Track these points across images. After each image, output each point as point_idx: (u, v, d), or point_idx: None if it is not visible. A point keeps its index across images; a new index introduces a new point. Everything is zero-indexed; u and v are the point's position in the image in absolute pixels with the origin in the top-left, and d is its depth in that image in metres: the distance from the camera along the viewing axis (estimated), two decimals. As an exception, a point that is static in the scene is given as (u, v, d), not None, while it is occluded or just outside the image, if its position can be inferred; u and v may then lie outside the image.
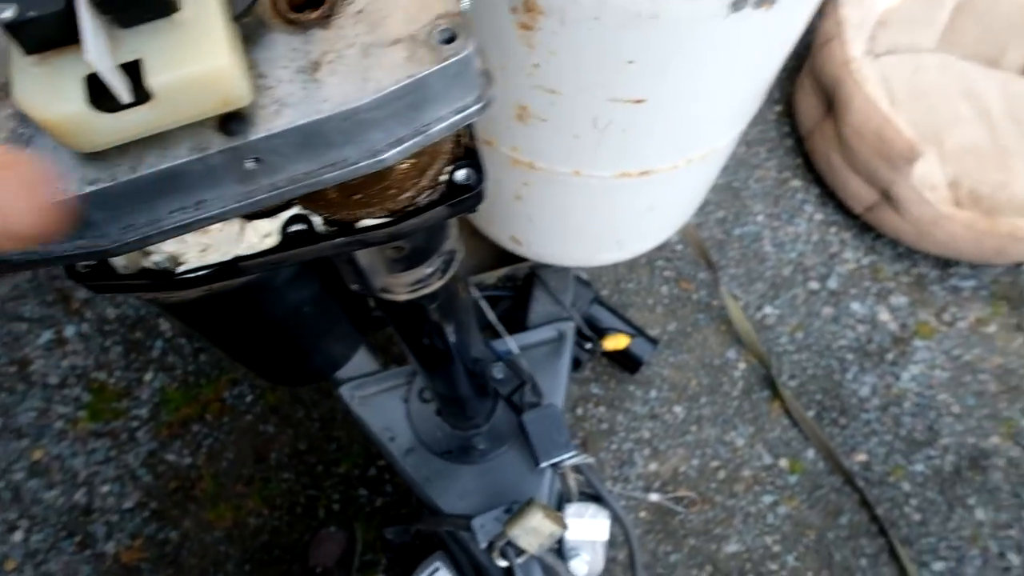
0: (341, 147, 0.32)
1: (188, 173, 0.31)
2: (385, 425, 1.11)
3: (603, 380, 1.99)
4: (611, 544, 1.17)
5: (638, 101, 0.70)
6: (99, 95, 0.28)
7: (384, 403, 1.11)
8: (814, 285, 2.13)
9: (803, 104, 2.28)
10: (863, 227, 2.20)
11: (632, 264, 2.15)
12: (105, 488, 1.91)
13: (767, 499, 1.88)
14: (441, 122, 0.33)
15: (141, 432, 1.97)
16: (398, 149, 0.33)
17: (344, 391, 1.12)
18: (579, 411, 1.96)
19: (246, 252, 0.39)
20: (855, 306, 2.10)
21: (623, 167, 0.82)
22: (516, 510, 0.99)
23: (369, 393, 1.12)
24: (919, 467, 1.91)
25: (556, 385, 1.12)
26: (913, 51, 2.29)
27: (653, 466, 1.92)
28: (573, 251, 1.04)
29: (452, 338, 0.69)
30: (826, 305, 2.11)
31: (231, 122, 0.30)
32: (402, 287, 0.52)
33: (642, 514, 1.88)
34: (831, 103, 2.13)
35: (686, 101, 0.72)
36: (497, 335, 1.12)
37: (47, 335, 2.09)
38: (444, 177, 0.40)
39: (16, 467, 1.93)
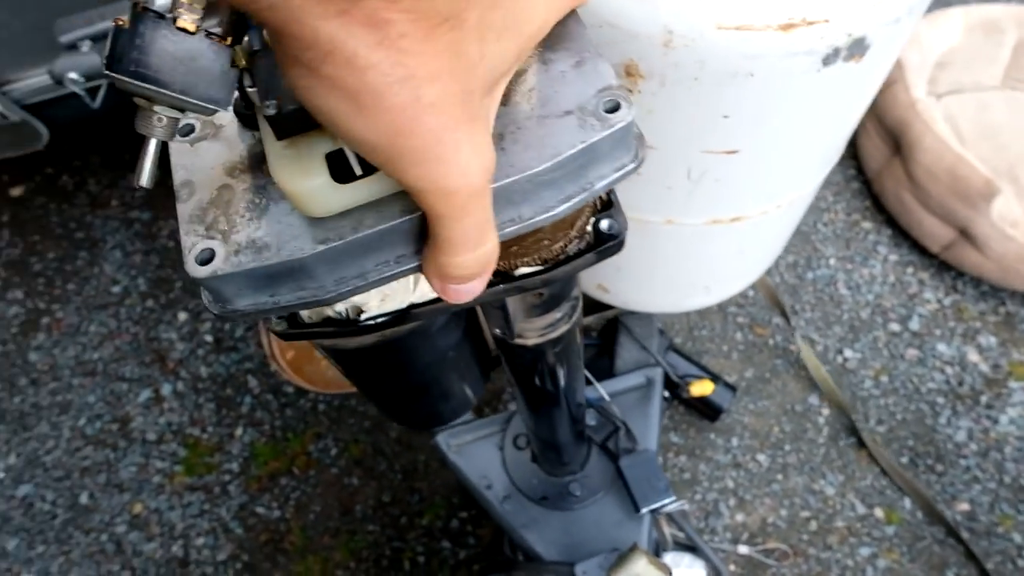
0: (519, 205, 0.37)
1: (396, 232, 0.36)
2: (481, 473, 1.14)
3: (682, 429, 1.97)
4: (708, 594, 1.15)
5: (732, 152, 0.74)
6: (336, 169, 0.34)
7: (479, 451, 1.15)
8: (895, 327, 2.08)
9: (868, 147, 2.27)
10: (942, 266, 2.15)
11: (704, 311, 2.15)
12: (200, 541, 1.99)
13: (864, 551, 1.81)
14: (603, 179, 0.38)
15: (233, 486, 2.05)
16: (567, 205, 0.37)
17: (440, 440, 1.16)
18: (659, 460, 1.94)
19: (419, 300, 0.44)
20: (941, 347, 2.04)
21: (715, 214, 0.86)
22: (618, 557, 0.99)
23: (464, 441, 1.16)
24: (1028, 516, 1.80)
25: (649, 430, 1.13)
26: (977, 90, 2.28)
27: (740, 517, 1.87)
28: (661, 297, 1.07)
29: (562, 381, 0.73)
30: (910, 347, 2.05)
31: None
32: (534, 331, 0.57)
33: (731, 567, 1.83)
34: (898, 145, 2.13)
35: (778, 150, 0.76)
36: (587, 382, 1.15)
37: (146, 394, 2.22)
38: (590, 227, 0.45)
39: (118, 520, 2.03)
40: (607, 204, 0.46)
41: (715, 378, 1.76)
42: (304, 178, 0.34)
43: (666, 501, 1.02)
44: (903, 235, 2.20)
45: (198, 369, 2.23)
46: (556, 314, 0.56)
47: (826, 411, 1.98)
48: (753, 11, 0.59)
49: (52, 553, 1.99)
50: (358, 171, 0.34)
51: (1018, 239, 1.92)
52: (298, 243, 0.36)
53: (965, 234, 2.00)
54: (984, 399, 1.96)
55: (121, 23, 0.31)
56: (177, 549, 1.98)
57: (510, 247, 0.44)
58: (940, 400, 1.97)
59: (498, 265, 0.45)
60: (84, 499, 2.06)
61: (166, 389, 2.21)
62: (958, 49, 2.25)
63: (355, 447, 2.07)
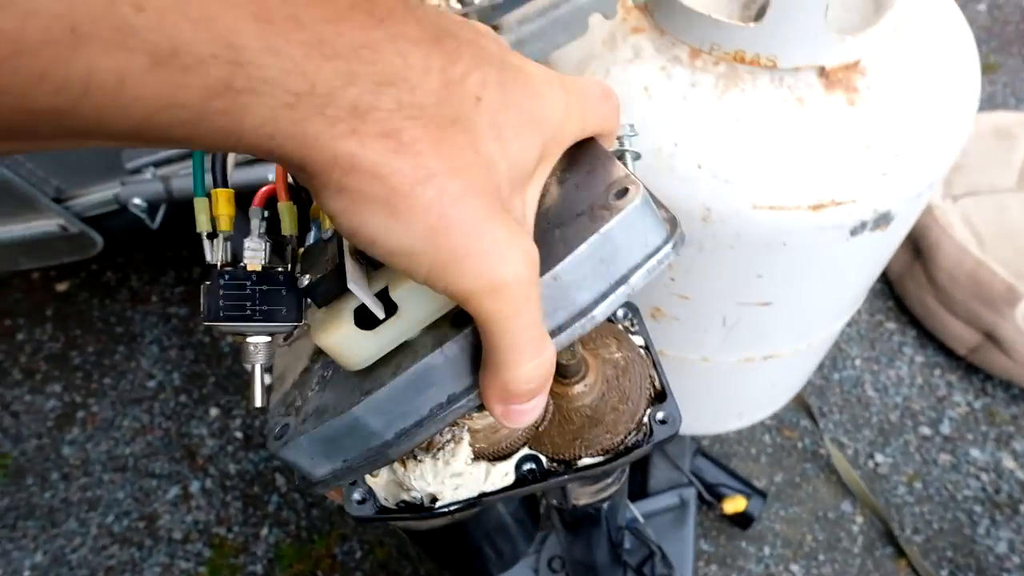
0: (553, 313, 0.35)
1: (436, 368, 0.37)
2: (516, 595, 1.13)
3: (712, 536, 1.94)
4: None
5: (764, 304, 0.78)
6: (363, 320, 0.37)
7: (514, 572, 1.14)
8: (926, 431, 2.06)
9: (889, 247, 2.32)
10: (969, 368, 2.15)
11: (730, 412, 2.15)
12: (221, 648, 1.95)
13: (907, 673, 1.73)
14: (638, 269, 0.36)
15: (256, 589, 2.03)
16: (604, 304, 0.35)
17: (474, 559, 1.16)
18: None
19: (489, 489, 0.48)
20: (975, 453, 2.01)
21: (748, 354, 0.90)
22: None
23: (498, 561, 1.16)
24: (1079, 637, 1.72)
25: (684, 554, 1.13)
26: (993, 192, 2.33)
27: (774, 632, 1.81)
28: (696, 423, 1.10)
29: (605, 509, 0.75)
30: (942, 452, 2.02)
31: (461, 317, 0.35)
32: (587, 495, 0.60)
33: None
34: (918, 249, 2.17)
35: (807, 301, 0.80)
36: (620, 502, 1.16)
37: (174, 491, 2.23)
38: (646, 419, 0.49)
39: (140, 624, 2.01)
40: (661, 396, 0.50)
41: (744, 483, 1.75)
42: (334, 331, 0.37)
43: None
44: (928, 336, 2.21)
45: (227, 466, 2.25)
46: (608, 480, 0.59)
47: (860, 519, 1.94)
48: (785, 193, 0.65)
49: (72, 658, 1.96)
50: (380, 315, 0.35)
51: (1045, 344, 1.92)
52: (349, 399, 0.39)
53: (991, 337, 2.01)
54: (1023, 508, 1.91)
55: (208, 285, 0.38)
56: (198, 656, 1.94)
57: (573, 439, 0.48)
58: (977, 509, 1.92)
59: (562, 455, 0.48)
60: (107, 600, 2.04)
61: (195, 486, 2.22)
62: (971, 152, 2.33)
63: (380, 550, 2.05)
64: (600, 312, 0.36)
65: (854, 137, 0.66)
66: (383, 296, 0.36)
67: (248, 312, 0.39)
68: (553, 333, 0.35)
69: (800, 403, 1.98)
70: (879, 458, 2.02)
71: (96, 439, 2.35)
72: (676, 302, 0.82)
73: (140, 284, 2.72)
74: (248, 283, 0.39)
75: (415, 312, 0.36)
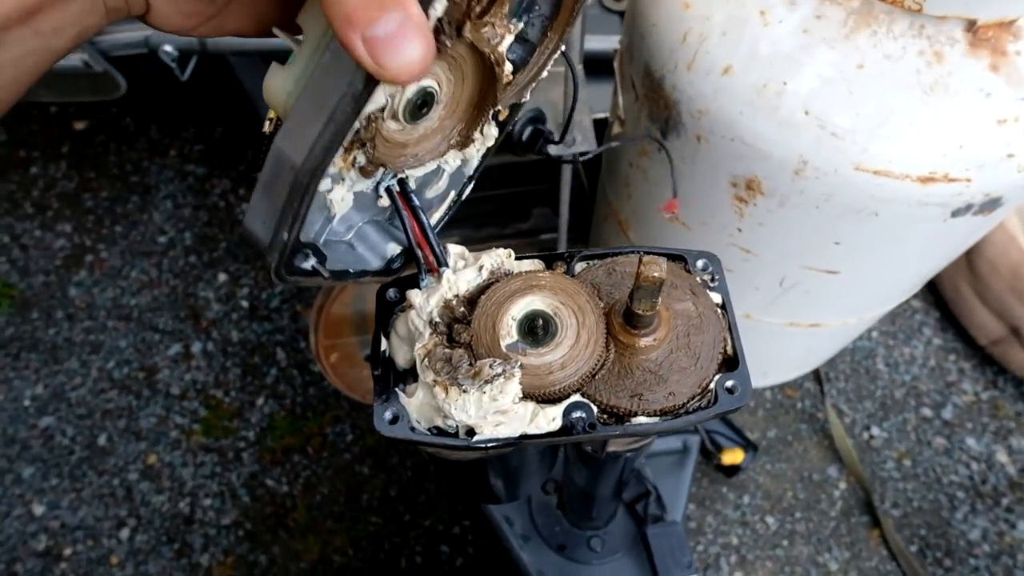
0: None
1: (326, 66, 0.36)
2: (505, 510, 1.15)
3: (696, 477, 1.97)
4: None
5: (832, 272, 0.73)
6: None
7: (507, 488, 1.15)
8: (927, 412, 2.05)
9: (932, 223, 2.23)
10: (985, 359, 2.11)
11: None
12: (207, 502, 2.03)
13: (857, 633, 1.80)
14: None
15: (247, 454, 2.09)
16: None
17: (469, 469, 1.17)
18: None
19: (533, 432, 0.44)
20: (970, 441, 2.01)
21: (795, 319, 0.85)
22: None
23: (493, 475, 1.17)
24: (1029, 629, 1.78)
25: (678, 499, 1.13)
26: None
27: (739, 575, 1.87)
28: (717, 375, 1.07)
29: (631, 455, 0.73)
30: (938, 435, 2.02)
31: None
32: (622, 444, 0.57)
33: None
34: (965, 229, 2.08)
35: (876, 277, 0.75)
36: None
37: (176, 348, 2.25)
38: (713, 384, 0.45)
39: (132, 468, 2.08)
40: (733, 363, 0.46)
41: (736, 433, 1.76)
42: (266, 80, 0.39)
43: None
44: (951, 321, 2.16)
45: (230, 332, 2.26)
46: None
47: (843, 485, 1.96)
48: (896, 159, 0.58)
49: (64, 488, 2.04)
50: (290, 44, 0.39)
51: (1070, 348, 1.88)
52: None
53: (1016, 333, 1.96)
54: (1005, 501, 1.93)
55: None
56: (184, 506, 2.02)
57: (633, 395, 0.44)
58: (960, 495, 1.94)
59: (616, 409, 0.45)
60: (102, 441, 2.10)
61: (196, 347, 2.24)
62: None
63: (371, 437, 2.09)
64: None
65: (989, 108, 0.58)
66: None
67: None
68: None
69: (809, 365, 1.96)
70: (875, 431, 2.03)
71: (103, 285, 2.35)
72: (736, 254, 0.76)
73: (160, 136, 2.64)
74: None
75: (314, 28, 0.37)
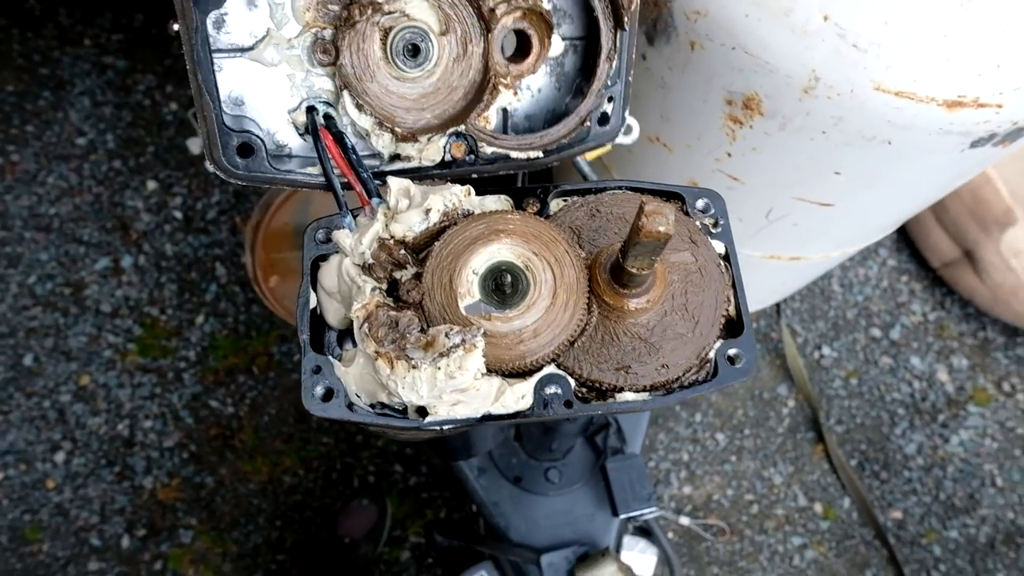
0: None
1: None
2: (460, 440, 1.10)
3: (650, 396, 1.98)
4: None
5: (826, 204, 0.66)
6: None
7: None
8: (876, 332, 2.09)
9: (897, 142, 2.19)
10: (935, 281, 2.14)
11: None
12: (148, 424, 1.94)
13: (796, 540, 1.89)
14: None
15: (187, 375, 1.99)
16: None
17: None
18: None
19: (498, 411, 0.36)
20: (915, 361, 2.06)
21: (776, 251, 0.79)
22: (588, 556, 0.98)
23: (447, 406, 1.11)
24: (953, 533, 1.90)
25: (637, 432, 1.10)
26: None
27: (687, 489, 1.92)
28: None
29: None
30: (885, 355, 2.07)
31: None
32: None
33: (669, 534, 1.89)
34: (930, 149, 2.05)
35: (875, 209, 0.68)
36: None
37: (104, 262, 2.09)
38: (713, 353, 0.38)
39: (63, 389, 1.96)
40: (736, 327, 0.38)
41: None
42: None
43: (646, 511, 1.00)
44: (906, 242, 2.17)
45: (163, 245, 2.10)
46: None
47: (792, 403, 2.01)
48: (924, 78, 0.49)
49: (-10, 411, 1.92)
50: None
51: (1018, 272, 1.90)
52: None
53: (969, 256, 1.98)
54: (941, 418, 2.01)
55: None
56: (123, 428, 1.93)
57: (619, 368, 0.37)
58: (901, 411, 2.01)
59: (598, 383, 0.37)
60: (28, 361, 1.97)
61: (126, 261, 2.08)
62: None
63: (320, 357, 2.02)
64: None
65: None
66: None
67: None
68: None
69: (767, 287, 1.94)
70: (825, 351, 2.05)
71: (16, 192, 2.13)
72: (721, 180, 0.68)
73: (71, 22, 2.34)
74: None
75: None
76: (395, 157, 0.43)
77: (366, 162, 0.42)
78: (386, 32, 0.41)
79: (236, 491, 1.90)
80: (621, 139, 0.51)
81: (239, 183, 0.41)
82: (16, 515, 1.84)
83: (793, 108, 0.54)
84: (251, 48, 0.41)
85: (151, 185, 2.16)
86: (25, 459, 1.88)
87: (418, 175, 0.42)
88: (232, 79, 0.43)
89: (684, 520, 1.88)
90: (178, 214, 2.13)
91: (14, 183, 2.14)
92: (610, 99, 0.47)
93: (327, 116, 0.41)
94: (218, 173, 0.39)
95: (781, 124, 0.56)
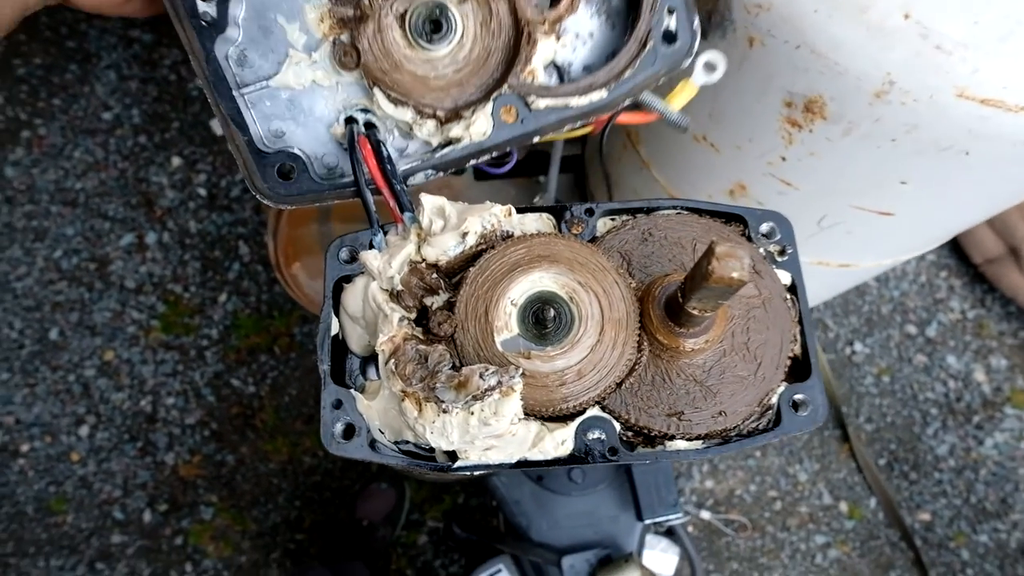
0: None
1: None
2: (482, 437, 1.08)
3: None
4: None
5: (884, 214, 0.61)
6: None
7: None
8: (912, 329, 2.02)
9: (942, 131, 2.10)
10: (976, 277, 2.06)
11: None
12: (170, 400, 1.95)
13: (819, 539, 1.85)
14: None
15: (209, 353, 1.99)
16: None
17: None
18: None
19: (535, 457, 0.33)
20: (951, 359, 1.99)
21: (825, 258, 0.74)
22: (610, 560, 0.96)
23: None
24: (983, 538, 1.85)
25: (666, 433, 1.07)
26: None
27: (709, 483, 1.89)
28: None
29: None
30: (920, 353, 2.00)
31: None
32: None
33: (690, 528, 1.86)
34: (978, 139, 1.96)
35: (939, 220, 0.63)
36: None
37: (128, 238, 2.09)
38: (776, 399, 0.34)
39: (87, 364, 1.97)
40: (804, 368, 0.35)
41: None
42: None
43: (671, 517, 0.97)
44: (947, 235, 2.09)
45: (187, 223, 2.10)
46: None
47: (820, 399, 1.96)
48: (1013, 85, 0.44)
49: (16, 383, 1.94)
50: None
51: (1067, 271, 1.82)
52: None
53: (1015, 252, 1.90)
54: (976, 419, 1.94)
55: None
56: (146, 404, 1.95)
57: (672, 413, 0.33)
58: (934, 411, 1.95)
59: (647, 428, 0.34)
60: (54, 335, 1.98)
61: (151, 237, 2.08)
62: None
63: (341, 339, 2.01)
64: None
65: None
66: None
67: None
68: None
69: (800, 280, 1.88)
70: (858, 346, 1.99)
71: (43, 165, 2.13)
72: (772, 185, 0.63)
73: (97, -7, 2.32)
74: None
75: None
76: (446, 144, 0.40)
77: (413, 162, 0.39)
78: (403, 16, 0.38)
79: (256, 470, 1.91)
80: (703, 78, 0.43)
81: (288, 207, 0.39)
82: (41, 486, 1.86)
83: (861, 113, 0.49)
84: (276, 75, 0.40)
85: (176, 161, 2.14)
86: (50, 431, 1.90)
87: (476, 155, 0.39)
88: (267, 113, 0.42)
89: (705, 514, 1.86)
90: (202, 191, 2.12)
91: (41, 156, 2.14)
92: (671, 10, 0.42)
93: (369, 125, 0.38)
94: (265, 201, 0.37)
95: (846, 129, 0.51)
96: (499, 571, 1.17)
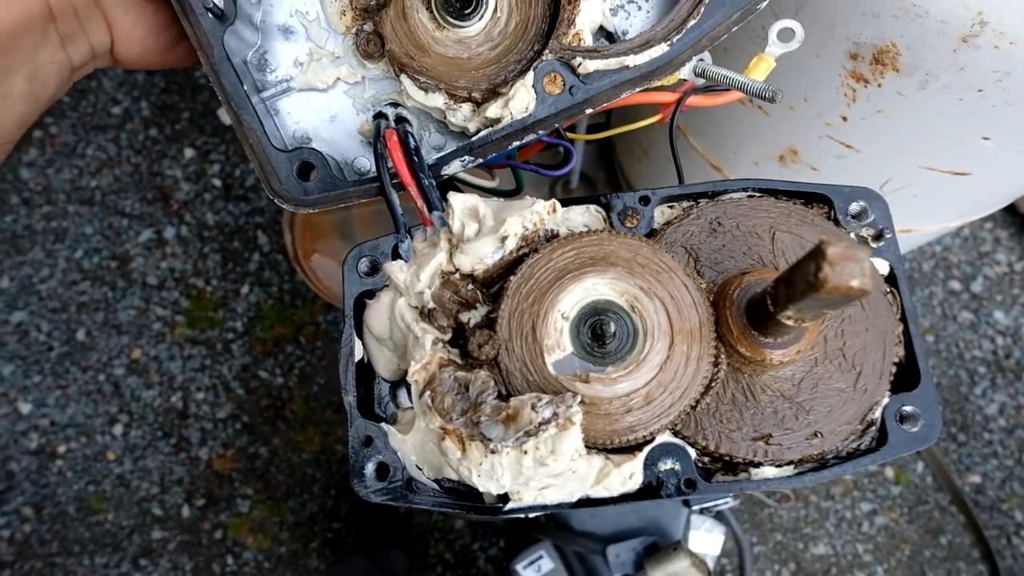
0: None
1: None
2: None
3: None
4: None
5: (961, 173, 0.55)
6: None
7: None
8: (956, 285, 1.93)
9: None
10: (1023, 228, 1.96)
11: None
12: (200, 395, 1.95)
13: (865, 506, 1.80)
14: None
15: (235, 345, 1.98)
16: None
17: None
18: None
19: (599, 495, 0.28)
20: (998, 315, 1.91)
21: (885, 225, 0.67)
22: (658, 548, 0.92)
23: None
24: (1038, 499, 1.78)
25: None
26: None
27: (749, 456, 1.84)
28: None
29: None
30: (965, 309, 1.92)
31: None
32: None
33: (730, 501, 1.82)
34: None
35: (1010, 180, 0.56)
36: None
37: (147, 233, 2.07)
38: (878, 413, 0.29)
39: (116, 363, 1.97)
40: (911, 375, 0.29)
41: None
42: None
43: (719, 501, 0.93)
44: (992, 185, 1.98)
45: (204, 215, 2.07)
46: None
47: (861, 363, 1.89)
48: None
49: (48, 385, 1.95)
50: None
51: (1124, 216, 1.72)
52: None
53: (1066, 199, 1.79)
54: (1027, 376, 1.86)
55: None
56: (176, 400, 1.94)
57: (757, 436, 0.28)
58: (982, 370, 1.88)
59: (728, 454, 0.29)
60: (81, 335, 1.98)
61: (169, 232, 2.06)
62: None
63: (366, 325, 1.98)
64: None
65: None
66: None
67: None
68: None
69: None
70: (899, 307, 1.92)
71: (58, 165, 2.11)
72: (829, 148, 0.57)
73: (96, -15, 2.27)
74: None
75: None
76: (485, 127, 0.35)
77: (447, 153, 0.34)
78: None
79: (290, 461, 1.90)
80: (779, 48, 0.37)
81: (310, 209, 0.35)
82: (81, 486, 1.88)
83: (942, 62, 0.43)
84: (298, 76, 0.38)
85: (188, 153, 2.11)
86: (85, 432, 1.91)
87: (520, 134, 0.33)
88: (293, 118, 0.39)
89: (746, 486, 1.81)
90: (217, 182, 2.09)
91: (55, 156, 2.12)
92: None
93: (400, 119, 0.34)
94: (284, 206, 0.33)
95: (922, 82, 0.45)
96: (540, 557, 1.14)
